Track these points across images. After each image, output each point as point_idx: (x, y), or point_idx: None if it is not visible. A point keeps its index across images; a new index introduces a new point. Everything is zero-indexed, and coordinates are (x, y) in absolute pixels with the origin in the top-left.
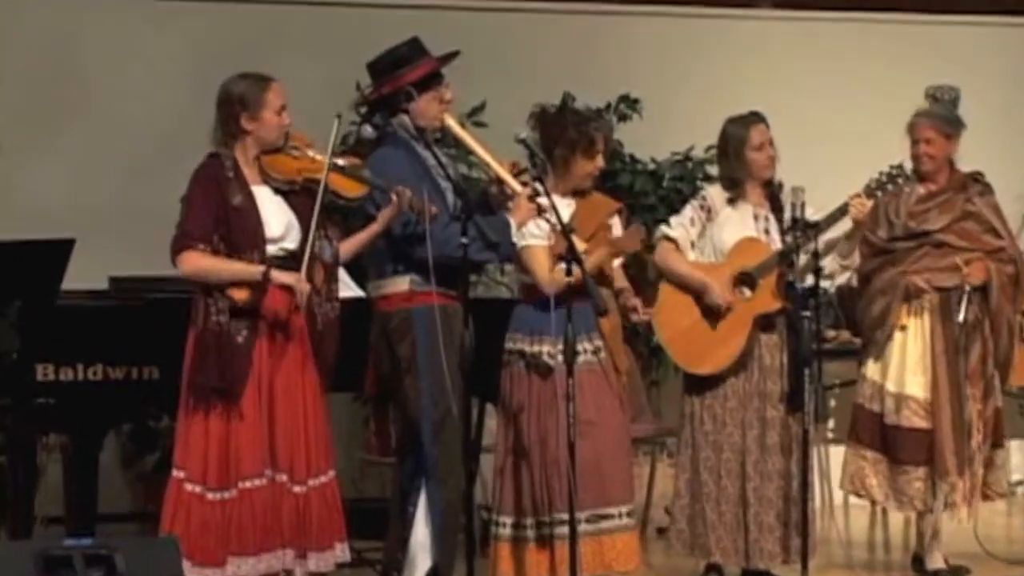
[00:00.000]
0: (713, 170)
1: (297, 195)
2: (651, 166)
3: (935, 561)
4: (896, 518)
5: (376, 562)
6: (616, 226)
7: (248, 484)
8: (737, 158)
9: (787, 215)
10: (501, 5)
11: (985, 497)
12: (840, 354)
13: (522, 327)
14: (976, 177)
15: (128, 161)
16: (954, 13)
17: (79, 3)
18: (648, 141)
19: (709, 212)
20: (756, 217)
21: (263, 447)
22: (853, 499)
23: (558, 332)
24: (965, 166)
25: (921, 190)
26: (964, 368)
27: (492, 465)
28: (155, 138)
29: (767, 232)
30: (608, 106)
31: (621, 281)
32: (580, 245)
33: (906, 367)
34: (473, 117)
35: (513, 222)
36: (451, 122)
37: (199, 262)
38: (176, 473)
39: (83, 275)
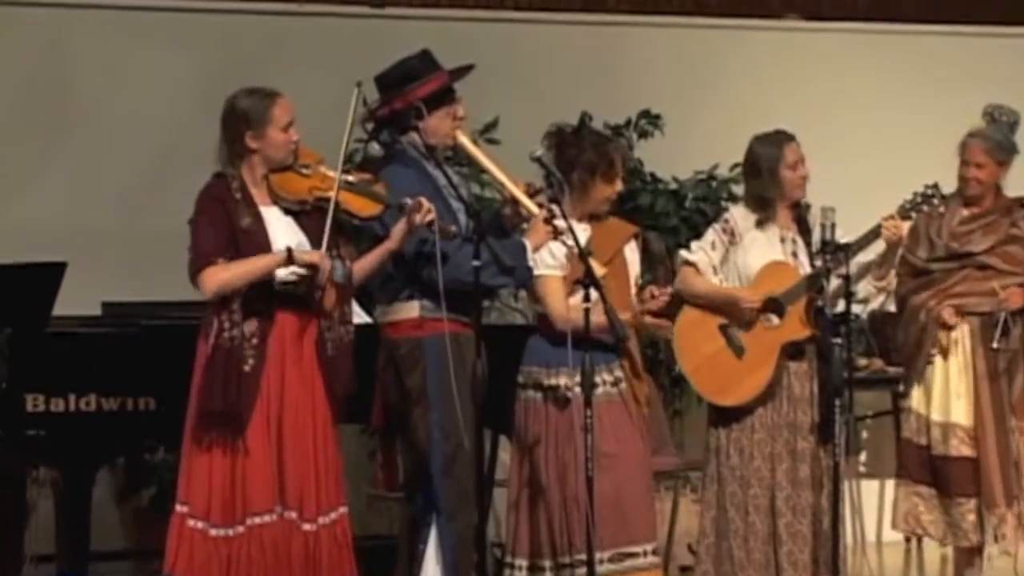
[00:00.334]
0: (739, 190)
1: (308, 215)
2: (673, 185)
3: None
4: (932, 555)
5: None
6: (633, 251)
7: (258, 520)
8: (771, 176)
9: (816, 237)
10: (516, 16)
11: None
12: (873, 383)
13: (537, 359)
14: (1023, 202)
15: (123, 180)
16: (990, 24)
17: (70, 16)
18: (670, 159)
19: (733, 235)
20: (783, 240)
21: (273, 481)
22: (886, 536)
23: (576, 363)
24: (1011, 190)
25: (964, 211)
26: (1008, 397)
27: (505, 501)
28: (152, 156)
29: (795, 255)
30: (628, 122)
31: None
32: (599, 270)
33: (949, 392)
34: (486, 134)
35: (529, 245)
36: (463, 139)
37: (220, 275)
38: (179, 508)
39: (75, 300)
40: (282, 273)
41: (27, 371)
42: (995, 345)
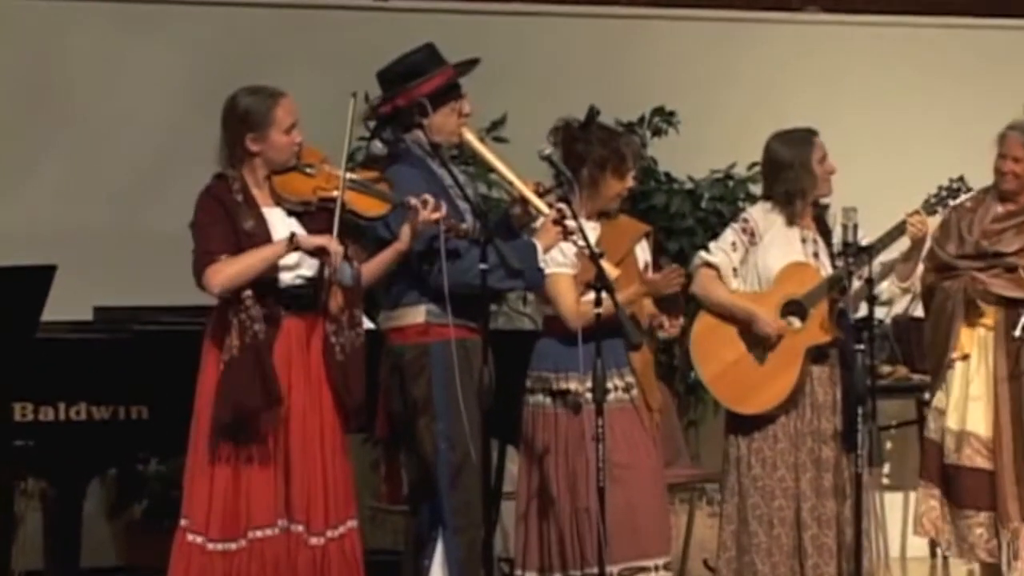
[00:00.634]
0: (756, 189)
1: (313, 216)
2: (688, 185)
3: None
4: (958, 571)
5: None
6: (644, 250)
7: (259, 534)
8: (804, 169)
9: (837, 237)
10: (524, 8)
11: None
12: (897, 391)
13: (546, 362)
14: None
15: (115, 182)
16: (1017, 17)
17: (61, 12)
18: (685, 158)
19: (752, 235)
20: (804, 240)
21: (276, 494)
22: (911, 551)
23: (586, 368)
24: None
25: (999, 208)
26: None
27: (513, 513)
28: (146, 157)
29: (816, 256)
30: (642, 119)
31: (650, 307)
32: (611, 272)
33: (968, 398)
34: (493, 132)
35: (539, 246)
36: (470, 137)
37: (226, 271)
38: (182, 522)
39: (66, 305)
40: (287, 278)
41: (15, 378)
42: (1017, 333)
